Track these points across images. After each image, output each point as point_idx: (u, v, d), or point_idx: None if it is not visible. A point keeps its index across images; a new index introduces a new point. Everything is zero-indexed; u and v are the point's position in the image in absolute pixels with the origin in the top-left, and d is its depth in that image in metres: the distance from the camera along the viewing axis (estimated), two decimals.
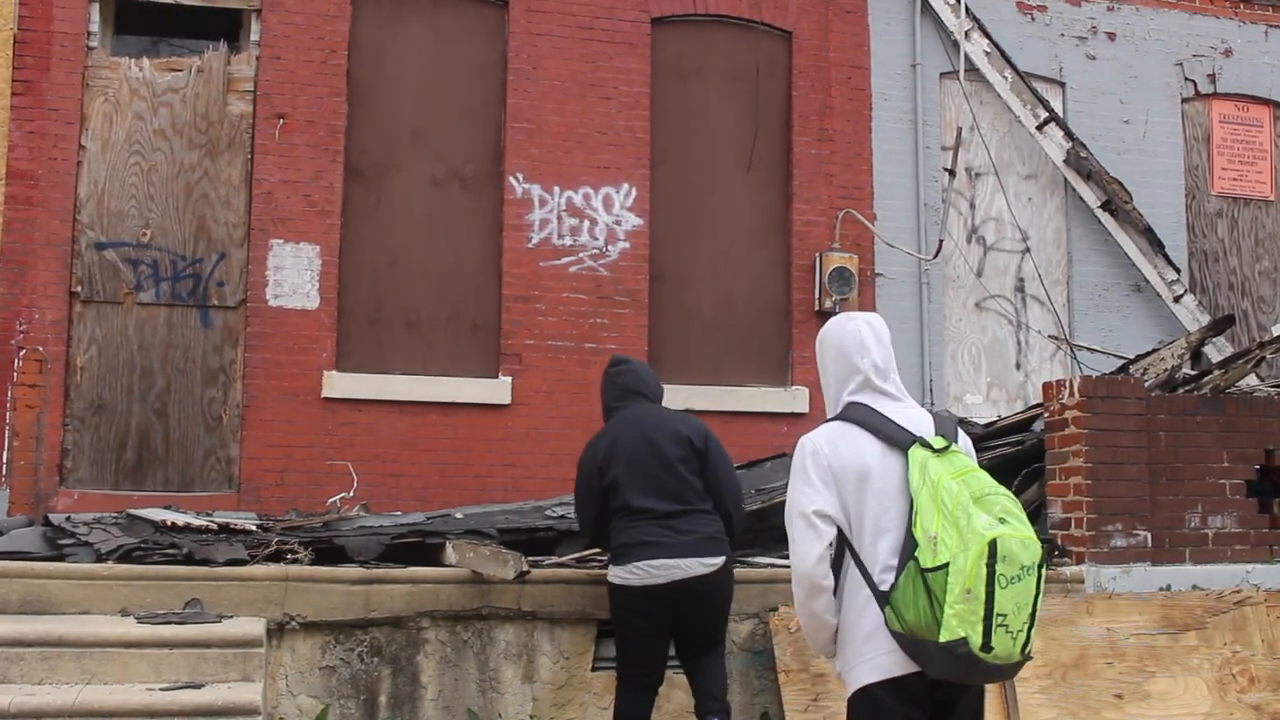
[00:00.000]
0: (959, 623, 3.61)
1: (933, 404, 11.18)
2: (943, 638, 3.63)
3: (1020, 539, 3.66)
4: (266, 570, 6.63)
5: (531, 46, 10.74)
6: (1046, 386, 8.13)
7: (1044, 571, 3.73)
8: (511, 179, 10.55)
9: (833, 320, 4.36)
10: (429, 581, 6.77)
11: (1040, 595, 3.72)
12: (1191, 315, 11.78)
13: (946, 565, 3.64)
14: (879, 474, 3.95)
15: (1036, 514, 8.11)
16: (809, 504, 3.95)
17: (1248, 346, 9.64)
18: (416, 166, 10.49)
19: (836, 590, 3.97)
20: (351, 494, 9.47)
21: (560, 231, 10.61)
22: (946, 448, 3.92)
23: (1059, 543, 7.77)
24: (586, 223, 10.68)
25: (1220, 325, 9.70)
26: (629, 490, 6.19)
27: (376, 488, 9.79)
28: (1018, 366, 11.83)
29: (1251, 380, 9.32)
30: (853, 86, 11.54)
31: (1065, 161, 11.85)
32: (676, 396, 10.49)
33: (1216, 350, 10.56)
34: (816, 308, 10.97)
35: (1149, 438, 7.83)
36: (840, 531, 3.96)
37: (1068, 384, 7.93)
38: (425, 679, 6.66)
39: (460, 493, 9.88)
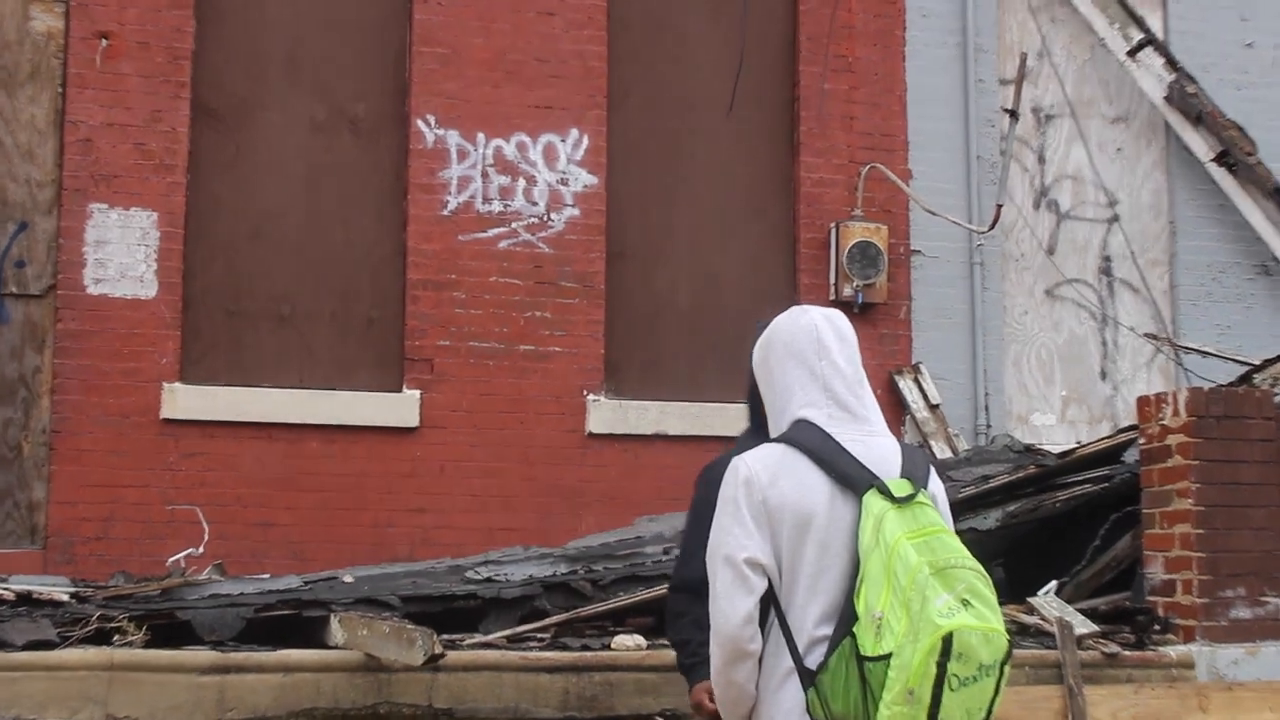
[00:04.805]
0: None
1: (989, 426, 11.19)
2: None
3: (984, 631, 3.83)
4: (83, 656, 6.53)
5: None
6: (1142, 402, 8.13)
7: (1008, 670, 3.92)
8: (420, 123, 10.52)
9: (780, 316, 4.47)
10: (307, 669, 6.71)
11: (999, 697, 3.92)
12: None
13: (889, 656, 3.81)
14: (824, 522, 4.07)
15: (1129, 574, 8.12)
16: (739, 549, 4.07)
17: None
18: (291, 105, 10.44)
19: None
20: (201, 550, 9.37)
21: (486, 194, 10.59)
22: (911, 496, 4.03)
23: (1160, 614, 7.76)
24: (522, 182, 10.65)
25: None
26: None
27: (236, 542, 9.74)
28: (1103, 375, 11.86)
29: None
30: None
31: (1167, 99, 11.88)
32: (644, 416, 10.48)
33: None
34: (832, 295, 10.98)
35: None
36: (770, 583, 4.11)
37: (1171, 399, 7.91)
38: None
39: (351, 548, 9.83)
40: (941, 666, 3.76)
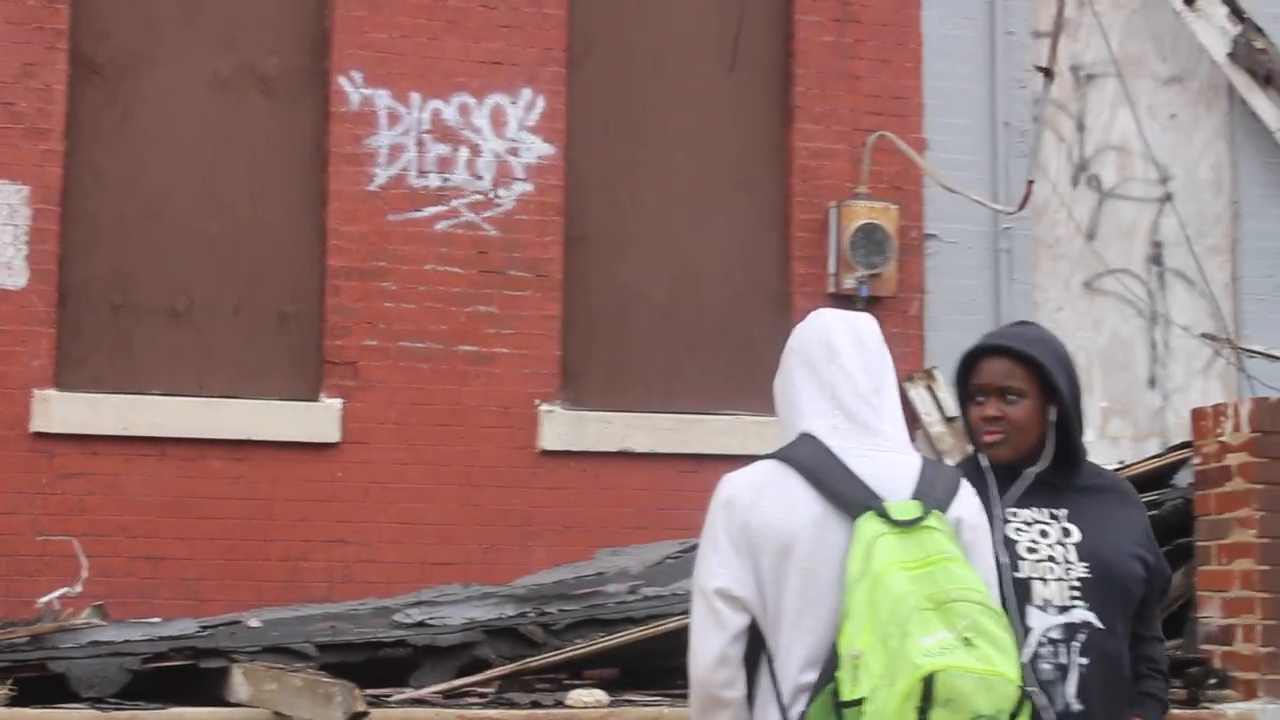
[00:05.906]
0: None
1: None
2: None
3: (981, 675, 3.77)
4: None
5: None
6: (1198, 415, 8.18)
7: None
8: (343, 80, 10.53)
9: (802, 322, 4.46)
10: None
11: None
12: None
13: (862, 701, 3.80)
14: (809, 548, 4.05)
15: (1180, 619, 8.14)
16: (711, 579, 4.09)
17: None
18: (188, 59, 10.44)
19: (750, 701, 4.14)
20: (79, 589, 9.38)
21: (422, 165, 10.62)
22: (917, 520, 4.01)
23: (1217, 665, 7.80)
24: (464, 151, 10.68)
25: None
26: None
27: (121, 579, 9.74)
28: (1152, 383, 11.92)
29: None
30: None
31: (1231, 56, 11.91)
32: (607, 430, 10.49)
33: None
34: (831, 288, 11.01)
35: None
36: (755, 621, 4.10)
37: (1231, 411, 7.94)
38: None
39: (257, 586, 9.86)
40: (923, 714, 3.72)
